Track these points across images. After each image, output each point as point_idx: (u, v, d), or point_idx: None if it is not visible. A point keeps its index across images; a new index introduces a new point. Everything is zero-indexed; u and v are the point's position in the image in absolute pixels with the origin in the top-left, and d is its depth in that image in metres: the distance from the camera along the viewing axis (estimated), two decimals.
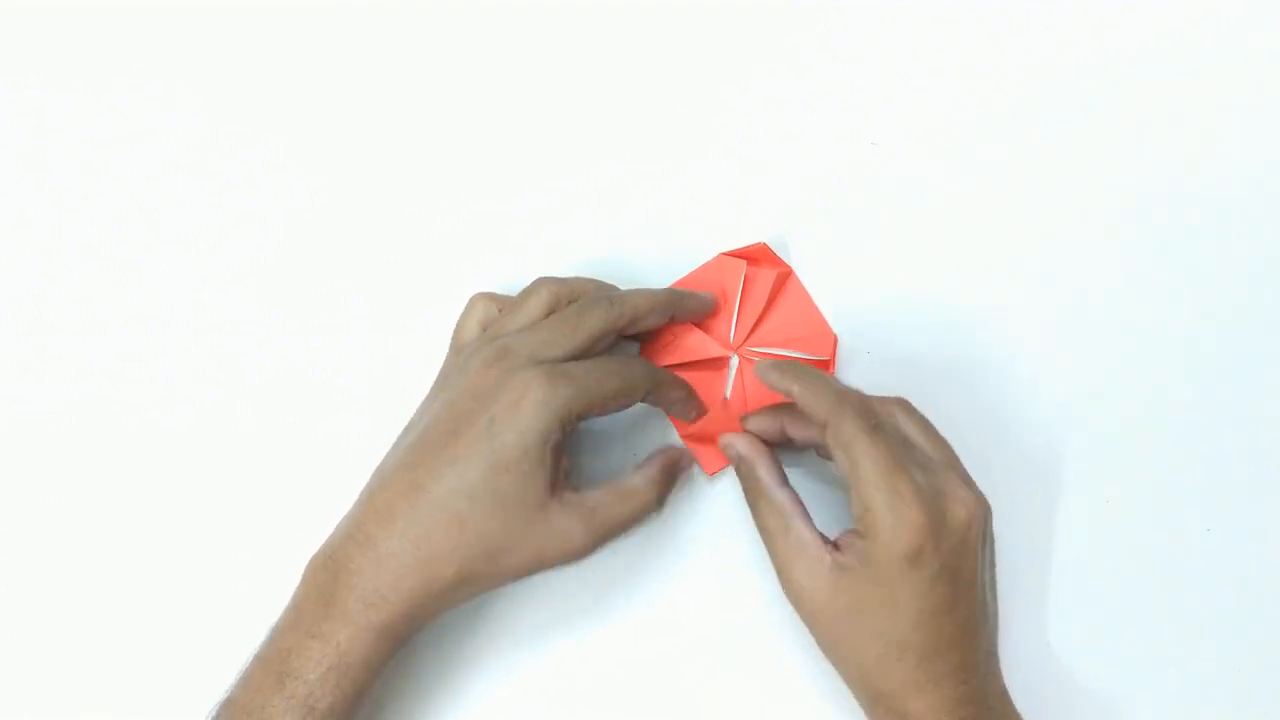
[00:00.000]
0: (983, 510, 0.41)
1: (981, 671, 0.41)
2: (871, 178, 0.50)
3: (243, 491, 0.48)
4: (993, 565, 0.43)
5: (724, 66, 0.51)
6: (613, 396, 0.41)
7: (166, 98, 0.51)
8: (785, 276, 0.49)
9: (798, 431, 0.44)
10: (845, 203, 0.50)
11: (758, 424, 0.45)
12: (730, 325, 0.48)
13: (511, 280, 0.48)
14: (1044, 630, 0.47)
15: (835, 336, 0.48)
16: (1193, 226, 0.50)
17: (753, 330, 0.48)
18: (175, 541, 0.48)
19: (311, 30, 0.52)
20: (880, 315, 0.49)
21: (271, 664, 0.39)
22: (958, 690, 0.40)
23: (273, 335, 0.49)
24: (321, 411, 0.49)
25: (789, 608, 0.42)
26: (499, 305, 0.45)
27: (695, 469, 0.47)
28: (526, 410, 0.39)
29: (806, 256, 0.49)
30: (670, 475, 0.45)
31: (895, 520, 0.39)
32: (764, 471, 0.43)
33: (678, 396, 0.45)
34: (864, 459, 0.40)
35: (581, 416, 0.40)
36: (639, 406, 0.45)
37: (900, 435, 0.42)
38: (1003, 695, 0.42)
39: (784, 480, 0.43)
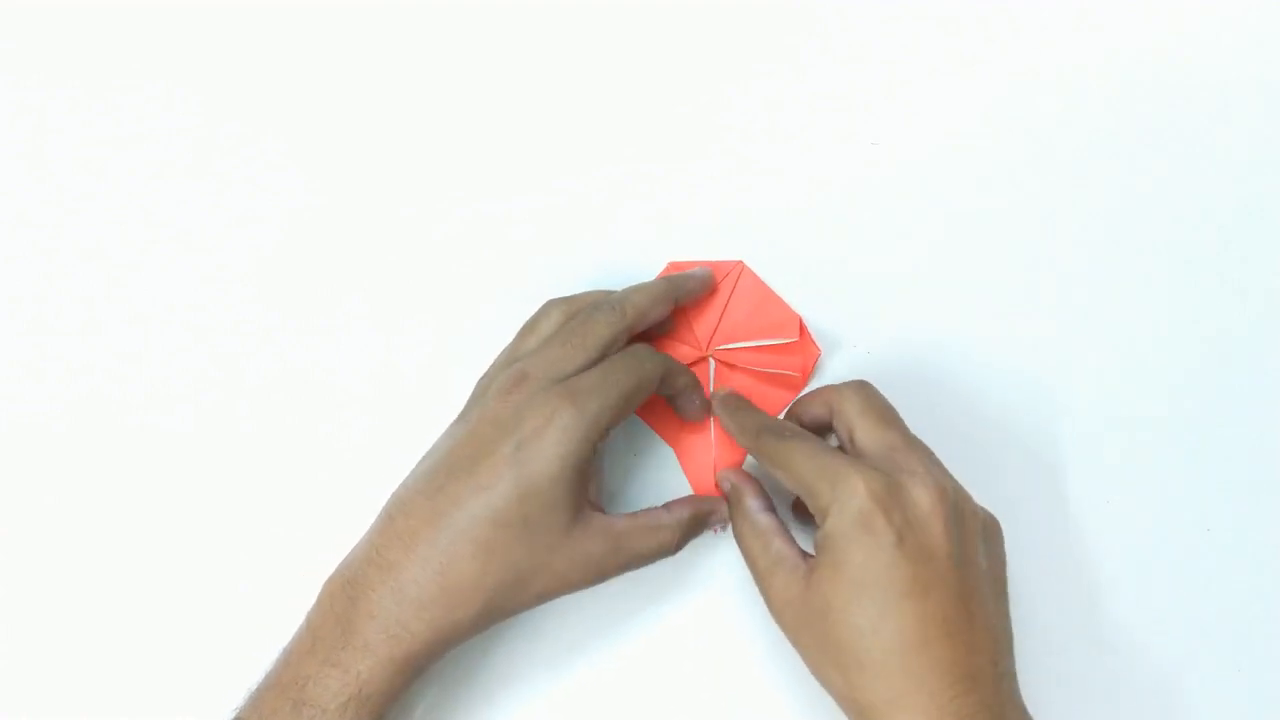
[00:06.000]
0: (947, 491, 0.38)
1: (987, 688, 0.36)
2: (871, 178, 0.50)
3: (242, 492, 0.48)
4: (994, 575, 0.40)
5: (724, 66, 0.51)
6: (632, 394, 0.41)
7: (166, 98, 0.51)
8: (737, 268, 0.48)
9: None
10: (845, 203, 0.50)
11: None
12: (695, 330, 0.48)
13: (511, 280, 0.49)
14: (1044, 630, 0.47)
15: (800, 317, 0.48)
16: (1193, 226, 0.50)
17: (716, 328, 0.48)
18: (175, 542, 0.48)
19: (311, 30, 0.52)
20: (879, 315, 0.49)
21: (287, 690, 0.38)
22: (955, 704, 0.36)
23: (273, 335, 0.49)
24: (321, 411, 0.49)
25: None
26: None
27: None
28: (554, 434, 0.39)
29: (806, 256, 0.49)
30: (697, 524, 0.44)
31: (837, 489, 0.38)
32: (749, 498, 0.43)
33: (686, 382, 0.45)
34: (794, 457, 0.39)
35: (609, 429, 0.40)
36: None
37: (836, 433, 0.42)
38: None
39: (769, 507, 0.43)
